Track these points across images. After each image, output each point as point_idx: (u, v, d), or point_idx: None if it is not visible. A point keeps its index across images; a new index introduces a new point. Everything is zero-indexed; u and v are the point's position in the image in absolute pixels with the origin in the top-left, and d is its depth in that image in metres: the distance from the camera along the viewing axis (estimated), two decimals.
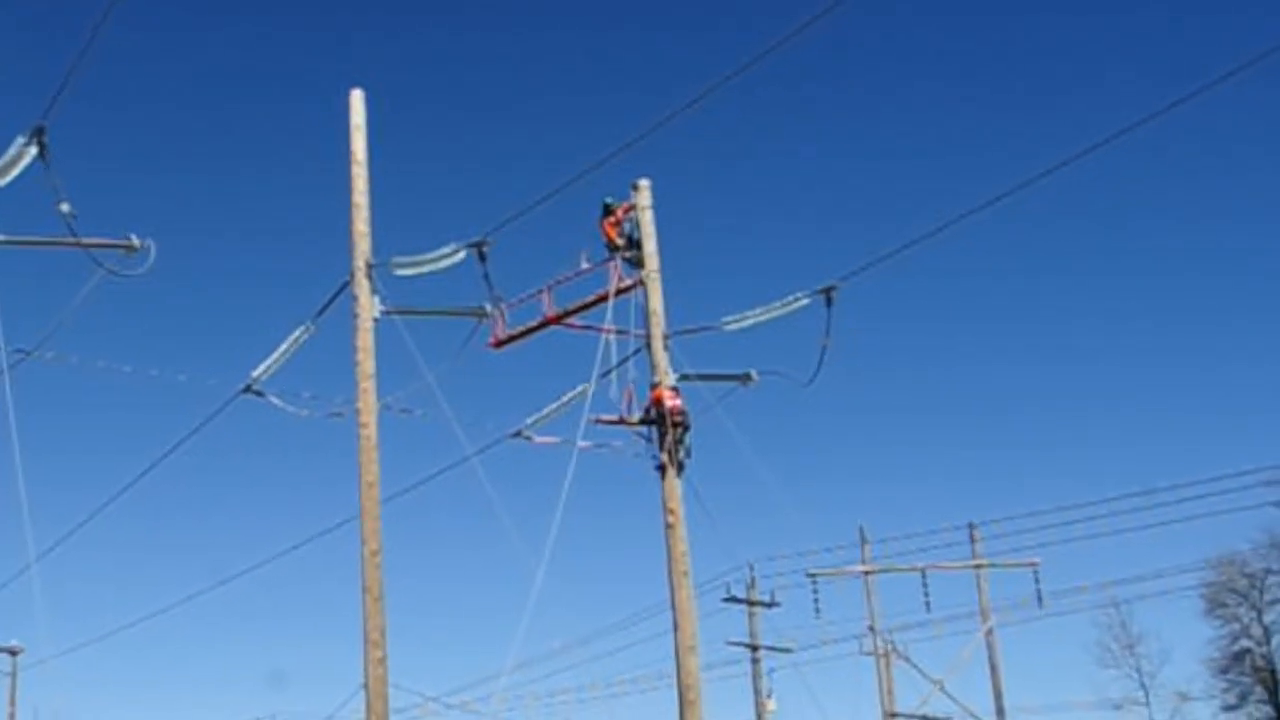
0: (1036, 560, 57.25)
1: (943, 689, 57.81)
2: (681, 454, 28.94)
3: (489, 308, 29.51)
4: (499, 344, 30.74)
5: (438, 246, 28.29)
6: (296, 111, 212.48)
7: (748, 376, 30.88)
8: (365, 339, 26.62)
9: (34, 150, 22.20)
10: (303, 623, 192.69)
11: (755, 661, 61.65)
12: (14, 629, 69.43)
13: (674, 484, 28.91)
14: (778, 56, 24.23)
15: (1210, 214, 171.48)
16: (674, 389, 29.28)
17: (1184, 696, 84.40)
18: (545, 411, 31.28)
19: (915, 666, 58.85)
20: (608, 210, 30.35)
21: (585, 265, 30.55)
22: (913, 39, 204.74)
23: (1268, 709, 74.94)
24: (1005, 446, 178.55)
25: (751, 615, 61.64)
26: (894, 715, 57.88)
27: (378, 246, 27.38)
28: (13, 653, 72.06)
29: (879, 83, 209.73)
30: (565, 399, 31.00)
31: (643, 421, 29.40)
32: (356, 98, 28.09)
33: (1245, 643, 75.72)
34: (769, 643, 61.62)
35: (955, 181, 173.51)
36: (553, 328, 30.81)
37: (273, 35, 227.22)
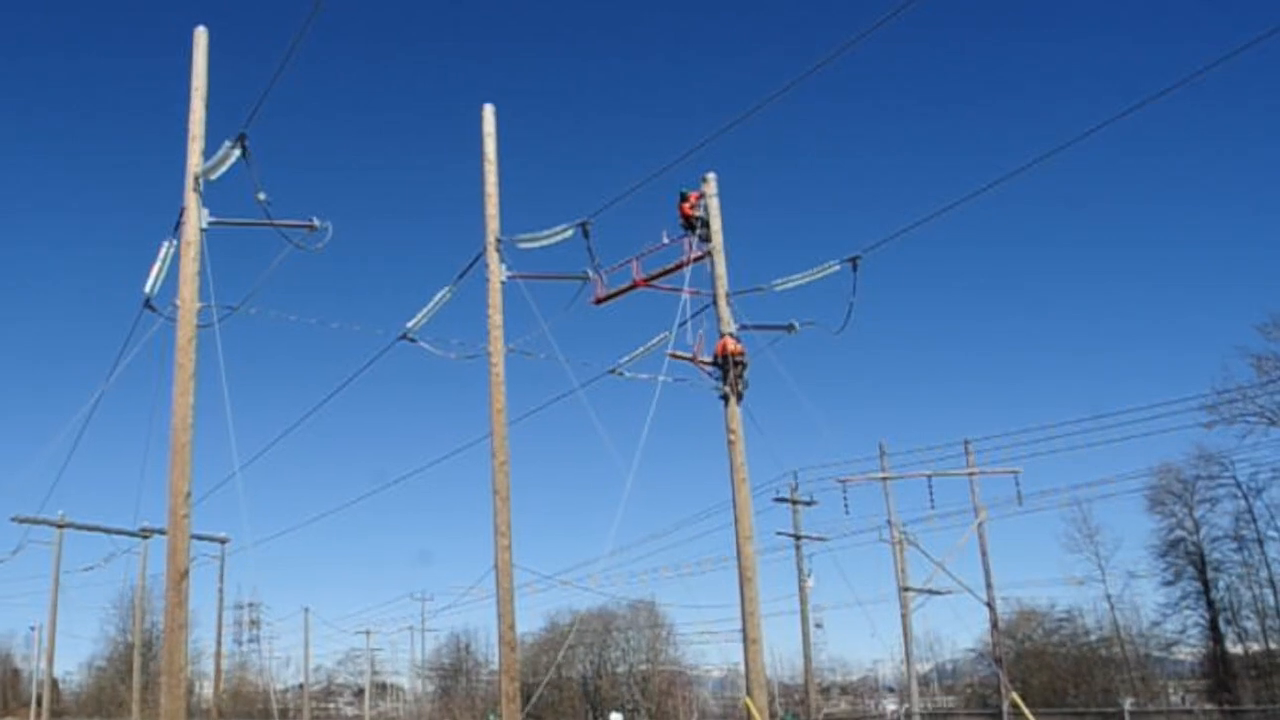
0: (1018, 469, 56.78)
1: (944, 569, 57.43)
2: (741, 387, 29.08)
3: (591, 273, 29.59)
4: (599, 301, 30.80)
5: (551, 226, 28.23)
6: (438, 119, 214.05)
7: (791, 326, 30.69)
8: (495, 297, 26.67)
9: (238, 152, 22.16)
10: (446, 518, 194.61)
11: (798, 548, 61.34)
12: (222, 523, 70.16)
13: (735, 410, 28.97)
14: (812, 76, 24.00)
15: (1160, 199, 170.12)
16: (735, 336, 29.36)
17: (1132, 575, 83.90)
18: (635, 353, 31.16)
19: (923, 551, 58.49)
20: (683, 197, 30.49)
21: (666, 240, 30.62)
22: (919, 57, 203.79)
23: (1197, 584, 74.48)
24: (993, 380, 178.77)
25: (795, 512, 61.38)
26: (906, 589, 57.48)
27: (505, 225, 27.46)
28: (222, 541, 72.60)
29: (893, 94, 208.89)
30: (651, 344, 30.90)
31: (711, 363, 29.42)
32: (488, 111, 28.03)
33: (1180, 533, 75.20)
34: (809, 533, 61.36)
35: (953, 173, 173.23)
36: (641, 289, 30.77)
37: (424, 59, 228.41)
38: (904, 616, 58.20)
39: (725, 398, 29.18)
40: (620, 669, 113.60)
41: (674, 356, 30.23)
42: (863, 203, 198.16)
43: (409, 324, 28.97)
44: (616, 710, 29.88)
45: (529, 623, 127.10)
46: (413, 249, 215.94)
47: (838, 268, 29.73)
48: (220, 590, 76.75)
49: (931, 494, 57.78)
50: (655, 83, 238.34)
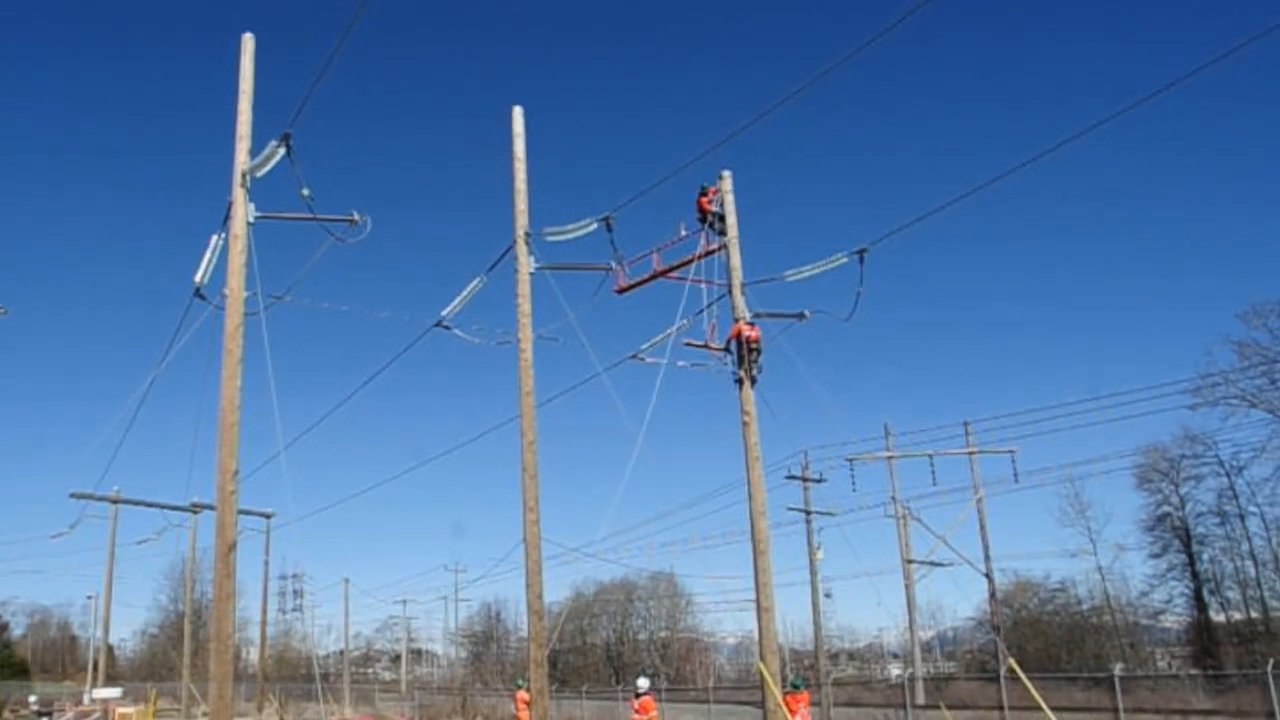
0: (1015, 448, 56.83)
1: (945, 542, 57.45)
2: (755, 371, 29.05)
3: (614, 264, 29.70)
4: (621, 291, 30.82)
5: (577, 220, 28.26)
6: (470, 119, 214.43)
7: (802, 314, 30.68)
8: (524, 287, 26.64)
9: (283, 150, 22.16)
10: (478, 494, 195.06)
11: (808, 523, 61.26)
12: (268, 499, 70.46)
13: (749, 393, 28.95)
14: (822, 80, 23.98)
15: (1149, 195, 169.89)
16: (749, 324, 29.28)
17: (1121, 547, 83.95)
18: (655, 340, 31.10)
19: (925, 526, 58.59)
20: (701, 193, 30.58)
21: (683, 233, 30.69)
22: (922, 61, 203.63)
23: (1182, 556, 74.57)
24: (992, 365, 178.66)
25: (805, 489, 61.31)
26: (910, 561, 57.49)
27: (533, 219, 27.38)
28: (267, 516, 72.83)
29: (897, 96, 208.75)
30: (670, 331, 30.85)
31: (723, 348, 29.59)
32: (517, 112, 27.96)
33: (1166, 508, 75.21)
34: (818, 509, 61.35)
35: (955, 170, 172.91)
36: (660, 279, 30.74)
37: (456, 62, 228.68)
38: (908, 587, 58.26)
39: (740, 381, 29.18)
40: (641, 636, 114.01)
41: (688, 344, 30.30)
42: (869, 198, 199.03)
43: (443, 312, 29.04)
44: (644, 675, 30.08)
45: (556, 592, 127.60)
46: (446, 242, 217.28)
47: (846, 259, 29.69)
48: (266, 562, 77.01)
49: (934, 472, 58.02)
50: (674, 85, 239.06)
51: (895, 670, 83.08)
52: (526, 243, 27.09)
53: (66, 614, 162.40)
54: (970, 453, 58.01)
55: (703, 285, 30.49)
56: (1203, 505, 74.41)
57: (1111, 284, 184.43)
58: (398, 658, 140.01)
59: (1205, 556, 74.92)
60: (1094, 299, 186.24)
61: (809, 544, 61.40)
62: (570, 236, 28.12)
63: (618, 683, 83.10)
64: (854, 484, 59.67)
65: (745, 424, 29.03)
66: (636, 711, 28.26)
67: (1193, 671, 56.04)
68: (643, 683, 29.44)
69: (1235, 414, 62.64)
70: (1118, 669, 31.09)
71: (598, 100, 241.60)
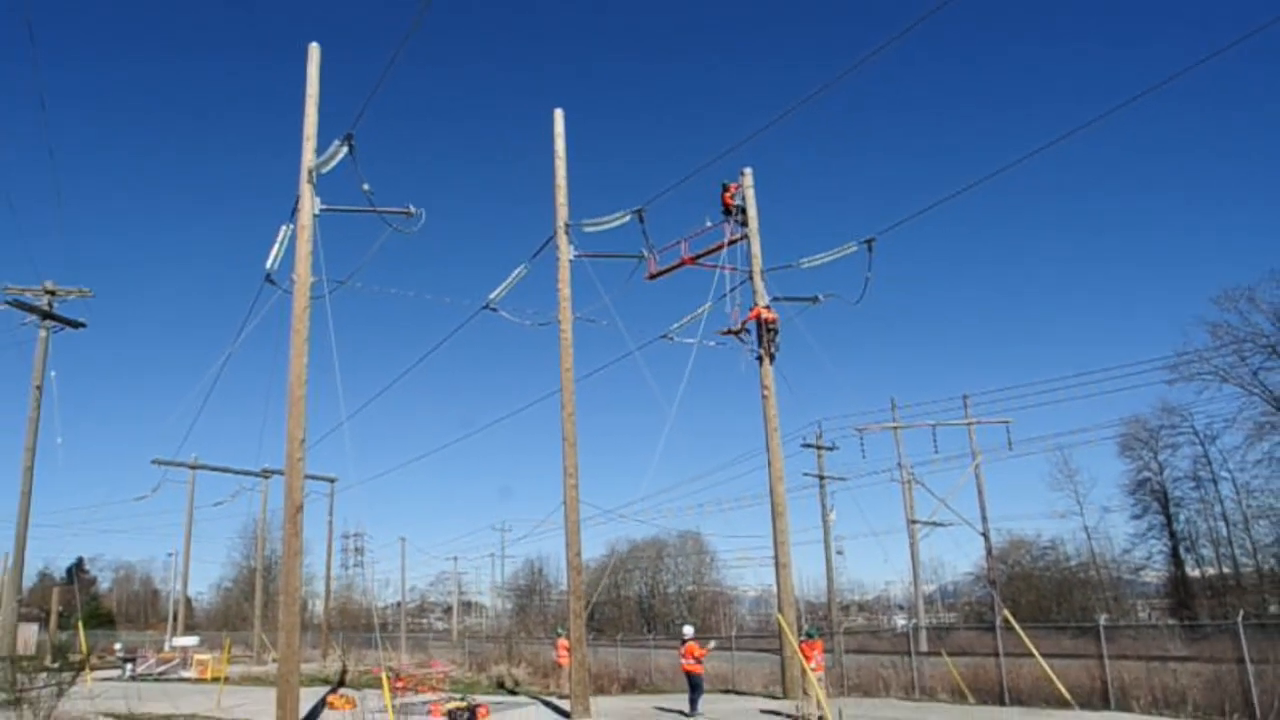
0: (1009, 419, 56.57)
1: (946, 505, 57.30)
2: (774, 349, 29.23)
3: (645, 252, 29.91)
4: (652, 277, 31.00)
5: (612, 212, 28.43)
6: (514, 121, 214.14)
7: (816, 298, 30.94)
8: (564, 273, 26.79)
9: (345, 149, 22.28)
10: (523, 460, 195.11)
11: (821, 487, 61.22)
12: (331, 465, 70.82)
13: (768, 369, 29.18)
14: (833, 87, 23.94)
15: (1133, 190, 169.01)
16: (768, 307, 29.52)
17: (1105, 509, 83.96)
18: (683, 321, 31.34)
19: (928, 490, 58.71)
20: (724, 188, 30.94)
21: (709, 224, 31.06)
22: (923, 66, 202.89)
23: (1160, 517, 74.77)
24: (988, 344, 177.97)
25: (819, 456, 61.25)
26: (914, 522, 57.32)
27: (572, 212, 27.55)
28: (331, 480, 73.31)
29: (902, 98, 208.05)
30: (696, 313, 31.13)
31: (741, 328, 29.65)
32: (558, 114, 28.08)
33: (1146, 474, 75.39)
34: (831, 474, 61.27)
35: (955, 166, 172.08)
36: (688, 266, 30.83)
37: (500, 65, 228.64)
38: (912, 545, 58.05)
39: (760, 359, 29.40)
40: (671, 590, 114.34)
41: (720, 333, 30.52)
42: (877, 192, 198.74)
43: (491, 296, 29.26)
44: (688, 625, 30.45)
45: (593, 550, 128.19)
46: (493, 232, 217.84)
47: (856, 248, 29.79)
48: (330, 522, 77.52)
49: (935, 441, 57.75)
50: (700, 88, 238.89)
51: (901, 620, 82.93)
52: (566, 233, 27.18)
53: (149, 569, 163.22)
54: (969, 423, 57.73)
55: (726, 271, 30.78)
56: (1179, 471, 74.67)
57: (1097, 270, 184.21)
58: (449, 609, 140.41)
59: (1181, 517, 75.17)
60: (1082, 284, 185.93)
61: (822, 506, 61.42)
62: (606, 227, 28.24)
63: (649, 632, 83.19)
64: (863, 452, 60.30)
65: (765, 397, 29.18)
66: (684, 655, 28.65)
67: (1170, 622, 55.84)
68: (688, 630, 29.90)
69: (1209, 388, 63.06)
70: (1102, 620, 30.93)
71: (631, 103, 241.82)
